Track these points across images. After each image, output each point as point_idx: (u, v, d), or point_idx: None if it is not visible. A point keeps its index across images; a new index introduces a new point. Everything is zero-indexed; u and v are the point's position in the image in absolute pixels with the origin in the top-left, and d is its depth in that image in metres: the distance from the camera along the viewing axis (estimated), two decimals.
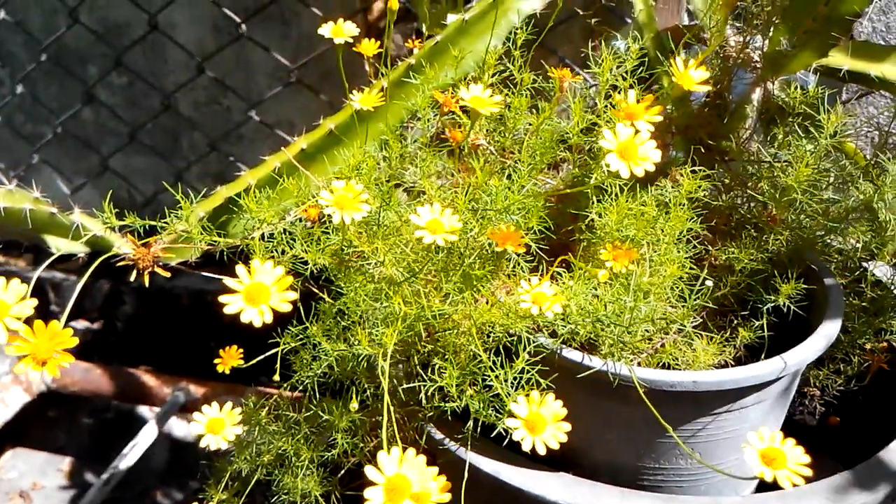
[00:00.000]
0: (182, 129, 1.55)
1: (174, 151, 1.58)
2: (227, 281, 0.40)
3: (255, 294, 0.41)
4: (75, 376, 1.47)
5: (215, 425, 0.61)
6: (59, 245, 0.73)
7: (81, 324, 1.70)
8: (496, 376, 0.52)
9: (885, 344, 0.84)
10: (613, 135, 0.47)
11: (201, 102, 1.52)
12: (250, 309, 0.40)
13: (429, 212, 0.50)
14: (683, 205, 0.64)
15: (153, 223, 0.51)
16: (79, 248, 0.74)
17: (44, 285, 1.64)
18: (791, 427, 0.87)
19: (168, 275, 0.47)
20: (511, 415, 0.50)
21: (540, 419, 0.51)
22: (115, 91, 1.55)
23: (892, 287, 0.82)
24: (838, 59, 0.83)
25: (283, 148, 0.81)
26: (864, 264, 0.85)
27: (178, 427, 1.63)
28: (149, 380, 1.46)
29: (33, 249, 1.78)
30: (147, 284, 0.47)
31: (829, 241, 0.80)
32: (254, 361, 0.64)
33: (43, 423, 1.57)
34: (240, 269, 0.41)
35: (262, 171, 0.78)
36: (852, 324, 0.83)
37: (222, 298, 0.39)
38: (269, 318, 0.40)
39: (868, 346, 0.84)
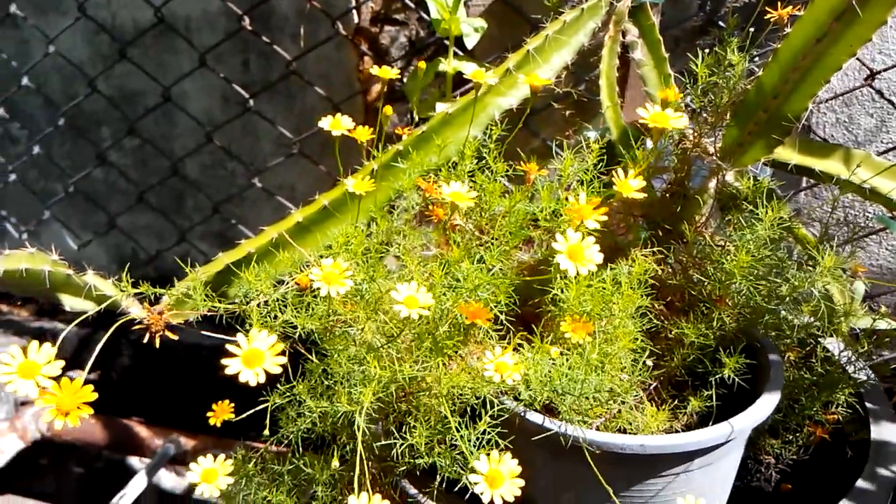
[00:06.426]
0: (188, 191, 1.63)
1: (179, 211, 1.66)
2: (229, 346, 0.47)
3: (252, 358, 0.48)
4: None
5: (209, 475, 0.67)
6: (72, 304, 0.81)
7: (78, 374, 1.76)
8: (461, 437, 0.59)
9: (833, 416, 0.91)
10: (564, 238, 0.54)
11: (207, 165, 1.61)
12: (246, 370, 0.48)
13: (406, 288, 0.58)
14: (634, 286, 0.71)
15: (161, 291, 0.59)
16: (89, 307, 0.81)
17: (45, 336, 1.70)
18: (748, 493, 0.93)
19: (176, 337, 0.54)
20: (473, 471, 0.57)
21: (499, 475, 0.57)
22: (126, 152, 1.64)
23: (839, 363, 0.89)
24: (787, 155, 0.92)
25: (281, 219, 0.90)
26: (819, 339, 0.92)
27: (167, 479, 1.66)
28: (140, 431, 1.50)
29: (33, 300, 1.84)
30: (157, 345, 0.54)
31: (784, 314, 0.86)
32: (243, 416, 0.70)
33: (34, 470, 1.60)
34: (240, 336, 0.48)
35: (260, 240, 0.86)
36: (802, 397, 0.90)
37: (224, 361, 0.47)
38: (262, 379, 0.47)
39: (816, 418, 0.91)
